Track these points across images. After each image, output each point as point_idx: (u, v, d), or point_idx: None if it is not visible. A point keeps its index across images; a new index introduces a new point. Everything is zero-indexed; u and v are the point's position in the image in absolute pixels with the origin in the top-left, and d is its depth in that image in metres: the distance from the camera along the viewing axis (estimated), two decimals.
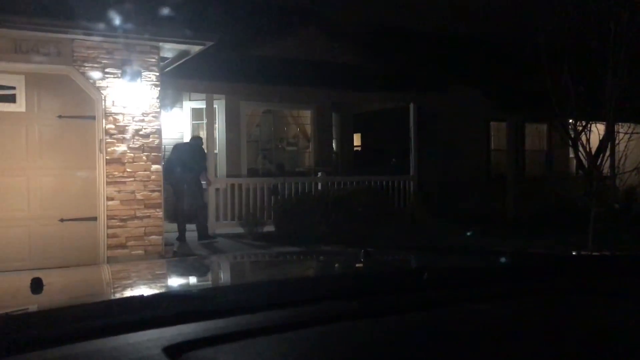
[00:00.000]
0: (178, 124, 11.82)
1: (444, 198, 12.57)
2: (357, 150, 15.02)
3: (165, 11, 7.76)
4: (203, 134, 11.24)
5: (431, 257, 2.21)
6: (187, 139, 11.96)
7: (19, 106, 6.76)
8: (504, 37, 12.57)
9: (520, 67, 11.13)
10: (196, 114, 11.92)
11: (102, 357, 0.92)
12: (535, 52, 7.75)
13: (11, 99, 6.72)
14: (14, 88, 6.72)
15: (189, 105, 11.94)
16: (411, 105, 12.12)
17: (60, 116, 6.95)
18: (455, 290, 1.34)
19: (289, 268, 2.09)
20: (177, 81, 9.54)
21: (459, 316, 1.21)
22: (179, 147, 9.69)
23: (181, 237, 9.07)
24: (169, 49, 7.61)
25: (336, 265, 2.05)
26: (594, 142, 7.85)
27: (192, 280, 1.83)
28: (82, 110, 7.07)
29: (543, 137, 14.13)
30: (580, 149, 7.76)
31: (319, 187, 10.87)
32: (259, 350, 0.99)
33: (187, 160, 9.22)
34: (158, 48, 7.39)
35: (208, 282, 1.79)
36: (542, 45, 7.61)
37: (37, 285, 1.30)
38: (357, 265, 1.77)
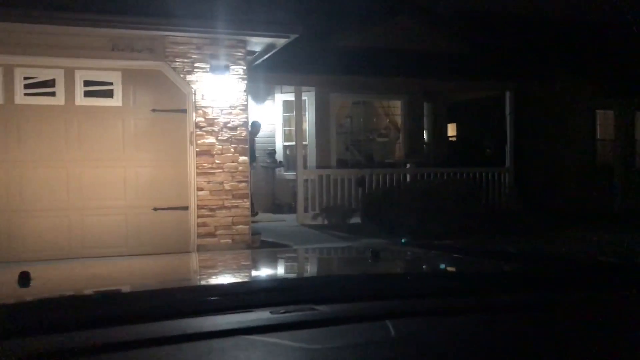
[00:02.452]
0: (270, 116, 12.05)
1: (543, 191, 11.93)
2: (450, 141, 14.60)
3: (251, 5, 7.89)
4: (293, 125, 11.38)
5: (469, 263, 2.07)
6: (279, 130, 12.20)
7: (116, 101, 7.18)
8: (610, 18, 11.67)
9: (630, 51, 10.32)
10: (287, 106, 12.10)
11: None
12: None
13: (109, 94, 7.15)
14: (111, 84, 7.14)
15: (281, 97, 12.13)
16: (507, 94, 11.59)
17: (153, 110, 7.30)
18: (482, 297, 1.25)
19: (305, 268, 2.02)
20: (267, 74, 9.73)
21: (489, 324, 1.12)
22: None
23: None
24: (256, 43, 7.75)
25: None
26: None
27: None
28: (174, 104, 7.38)
29: None
30: None
31: (408, 178, 10.69)
32: None
33: None
34: (244, 42, 7.56)
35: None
36: None
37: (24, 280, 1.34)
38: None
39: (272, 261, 2.14)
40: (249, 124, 9.93)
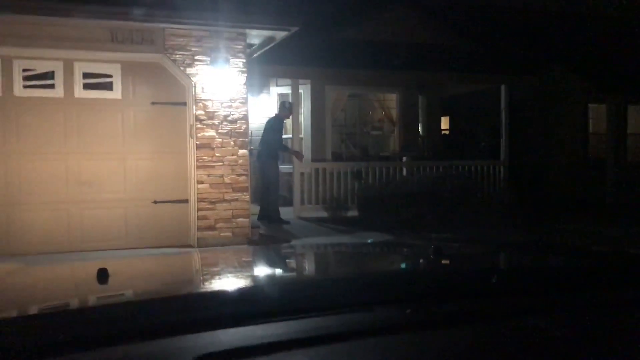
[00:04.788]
0: (265, 109, 12.00)
1: (537, 184, 12.04)
2: (444, 134, 14.66)
3: None
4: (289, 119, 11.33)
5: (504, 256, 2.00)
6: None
7: (116, 93, 7.13)
8: (603, 13, 11.76)
9: (622, 45, 10.41)
10: (283, 99, 12.05)
11: None
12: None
13: (109, 86, 7.10)
14: (110, 76, 7.09)
15: (276, 90, 12.09)
16: (502, 87, 11.65)
17: (153, 103, 7.26)
18: (526, 297, 1.21)
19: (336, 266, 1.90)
20: (264, 67, 9.68)
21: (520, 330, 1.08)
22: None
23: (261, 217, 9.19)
24: (255, 36, 7.73)
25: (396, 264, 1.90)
26: None
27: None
28: (174, 96, 7.34)
29: None
30: None
31: (404, 171, 10.73)
32: None
33: (264, 137, 9.44)
34: (244, 35, 7.53)
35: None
36: None
37: (103, 276, 1.28)
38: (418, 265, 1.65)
39: (280, 261, 1.99)
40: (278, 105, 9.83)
